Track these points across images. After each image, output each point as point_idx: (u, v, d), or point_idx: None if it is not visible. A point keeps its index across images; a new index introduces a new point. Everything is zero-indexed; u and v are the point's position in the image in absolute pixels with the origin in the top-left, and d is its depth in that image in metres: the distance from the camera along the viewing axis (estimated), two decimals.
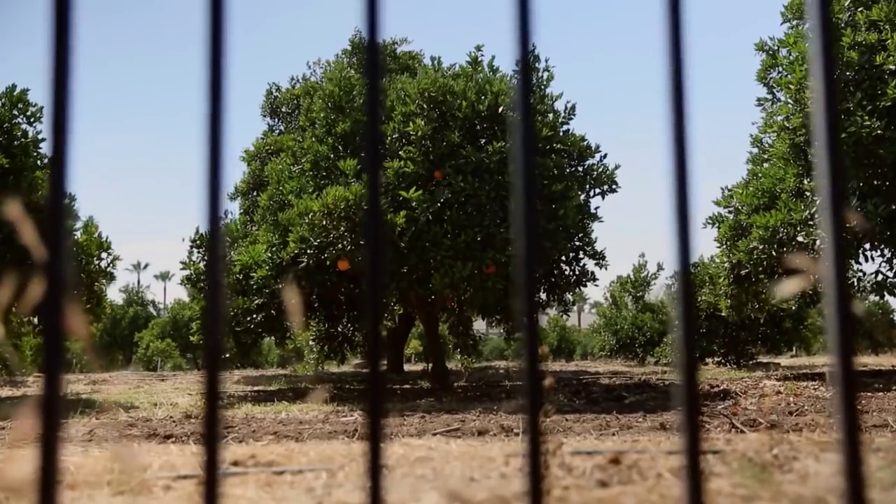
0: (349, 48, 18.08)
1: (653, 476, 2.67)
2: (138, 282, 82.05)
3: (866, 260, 12.08)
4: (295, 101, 19.81)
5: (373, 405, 0.92)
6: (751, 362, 19.69)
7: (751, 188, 12.07)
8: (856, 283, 11.83)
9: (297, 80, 20.19)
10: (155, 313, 41.06)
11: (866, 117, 9.81)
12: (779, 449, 2.90)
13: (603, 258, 12.56)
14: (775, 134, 12.08)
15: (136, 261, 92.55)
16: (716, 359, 20.28)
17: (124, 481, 3.28)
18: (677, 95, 0.90)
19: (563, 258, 12.31)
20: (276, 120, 20.69)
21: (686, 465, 0.89)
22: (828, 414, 7.19)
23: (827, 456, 2.94)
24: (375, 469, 0.87)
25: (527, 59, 0.95)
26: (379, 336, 0.92)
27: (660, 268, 24.60)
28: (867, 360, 20.99)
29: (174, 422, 8.13)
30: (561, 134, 11.74)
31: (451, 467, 3.16)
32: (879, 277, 11.65)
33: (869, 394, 9.61)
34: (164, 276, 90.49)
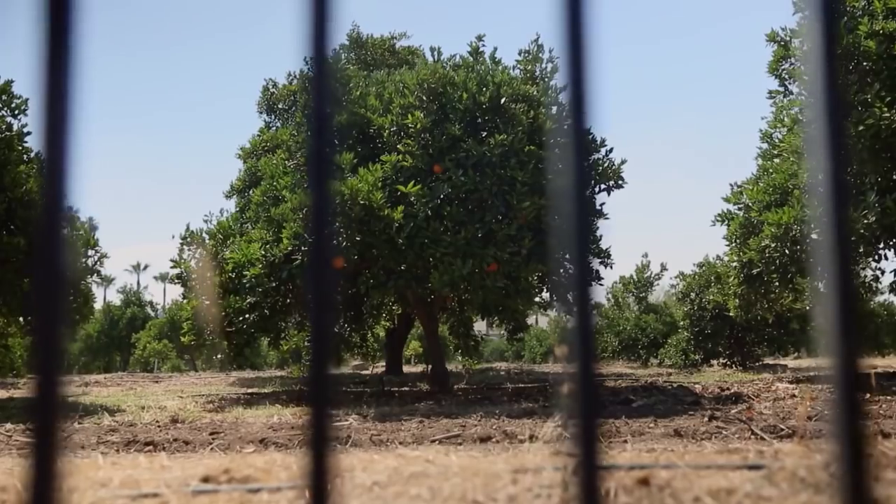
0: (346, 43, 17.70)
1: (689, 500, 2.26)
2: (138, 283, 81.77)
3: (880, 259, 11.65)
4: (292, 98, 19.43)
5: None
6: (757, 364, 19.29)
7: (761, 184, 11.65)
8: (873, 283, 11.41)
9: (294, 76, 19.80)
10: (153, 314, 40.69)
11: (885, 109, 9.40)
12: (834, 466, 2.49)
13: (608, 257, 12.14)
14: (786, 128, 11.67)
15: (135, 262, 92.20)
16: (721, 360, 19.90)
17: (76, 501, 2.87)
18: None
19: (567, 256, 11.89)
20: (273, 117, 20.31)
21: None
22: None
23: (888, 475, 2.53)
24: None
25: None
26: (326, 331, 0.76)
27: (663, 268, 24.20)
28: (877, 363, 20.62)
29: (159, 426, 7.72)
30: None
31: (451, 486, 2.74)
32: None
33: (888, 397, 9.20)
34: (164, 278, 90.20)
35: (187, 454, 5.34)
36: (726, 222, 12.13)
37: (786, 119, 11.54)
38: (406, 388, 13.51)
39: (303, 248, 10.25)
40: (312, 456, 0.72)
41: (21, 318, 12.22)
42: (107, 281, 70.36)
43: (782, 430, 6.12)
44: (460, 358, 15.07)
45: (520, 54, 12.17)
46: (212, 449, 5.77)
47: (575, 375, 0.68)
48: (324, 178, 0.75)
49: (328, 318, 0.72)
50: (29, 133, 11.21)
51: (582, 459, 0.68)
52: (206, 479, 3.17)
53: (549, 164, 10.68)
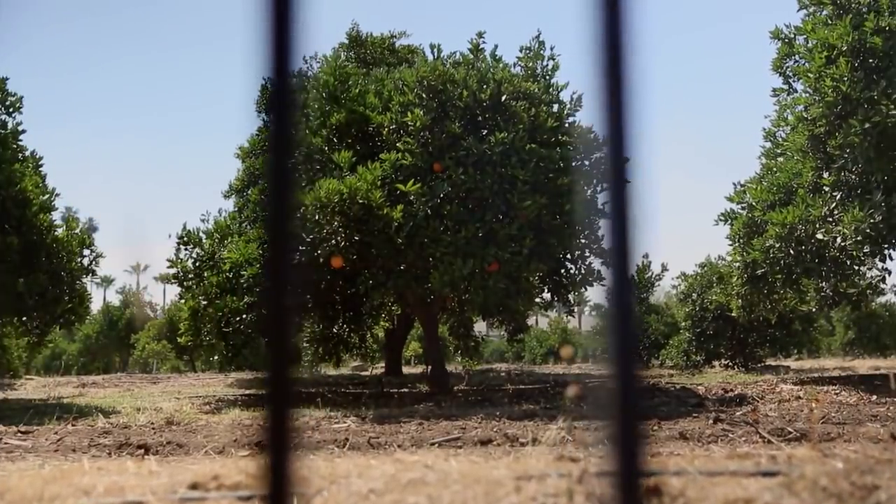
0: (346, 42, 17.58)
1: None
2: (137, 284, 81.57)
3: (885, 259, 11.51)
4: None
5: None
6: (759, 365, 19.15)
7: (765, 183, 11.51)
8: (878, 283, 11.28)
9: (293, 76, 19.66)
10: (153, 315, 40.59)
11: (891, 106, 9.26)
12: (856, 474, 2.35)
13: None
14: (790, 127, 11.53)
15: (135, 262, 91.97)
16: (723, 361, 19.75)
17: None
18: None
19: (569, 256, 11.76)
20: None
21: None
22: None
23: None
24: None
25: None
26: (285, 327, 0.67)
27: (664, 269, 24.04)
28: (880, 364, 20.48)
29: (153, 429, 7.59)
30: (567, 125, 11.20)
31: (451, 494, 2.61)
32: None
33: None
34: (164, 279, 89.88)
35: (180, 458, 5.20)
36: (729, 222, 11.99)
37: (790, 117, 11.40)
38: (405, 390, 13.38)
39: (300, 248, 10.11)
40: (271, 463, 0.64)
41: (16, 319, 12.09)
42: (106, 282, 70.20)
43: (790, 432, 5.98)
44: (460, 359, 14.94)
45: (521, 51, 12.04)
46: (205, 452, 5.63)
47: (613, 376, 0.64)
48: (284, 192, 0.69)
49: (287, 311, 0.59)
50: (24, 131, 11.08)
51: (620, 467, 0.65)
52: (194, 486, 3.03)
53: (550, 163, 10.54)
